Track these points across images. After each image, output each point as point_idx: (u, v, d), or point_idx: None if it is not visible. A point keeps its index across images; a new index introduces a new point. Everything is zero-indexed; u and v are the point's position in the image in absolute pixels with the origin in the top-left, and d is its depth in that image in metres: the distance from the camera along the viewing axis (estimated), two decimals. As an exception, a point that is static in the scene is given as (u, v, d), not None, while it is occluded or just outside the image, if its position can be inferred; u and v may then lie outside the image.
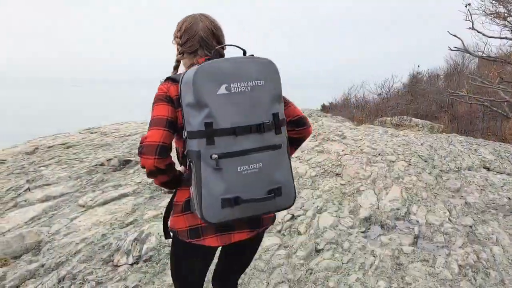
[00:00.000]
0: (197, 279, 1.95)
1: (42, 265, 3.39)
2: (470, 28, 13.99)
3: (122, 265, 3.40)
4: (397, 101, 16.77)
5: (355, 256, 3.59)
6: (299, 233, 4.01)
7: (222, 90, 1.53)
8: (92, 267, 3.35)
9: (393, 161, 6.38)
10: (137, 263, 3.40)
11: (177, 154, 1.83)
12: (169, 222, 1.85)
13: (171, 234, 1.87)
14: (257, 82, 1.59)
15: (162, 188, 1.93)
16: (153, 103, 1.70)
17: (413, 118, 12.90)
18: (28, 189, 5.34)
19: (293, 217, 4.35)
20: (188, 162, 1.65)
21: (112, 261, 3.48)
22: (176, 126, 1.69)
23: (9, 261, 3.53)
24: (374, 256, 3.59)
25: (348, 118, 12.15)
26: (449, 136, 9.04)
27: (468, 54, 17.16)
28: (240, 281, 3.16)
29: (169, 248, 2.71)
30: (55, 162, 6.58)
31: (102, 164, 6.30)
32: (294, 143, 1.98)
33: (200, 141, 1.53)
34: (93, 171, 6.06)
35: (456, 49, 15.01)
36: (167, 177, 1.73)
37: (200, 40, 1.81)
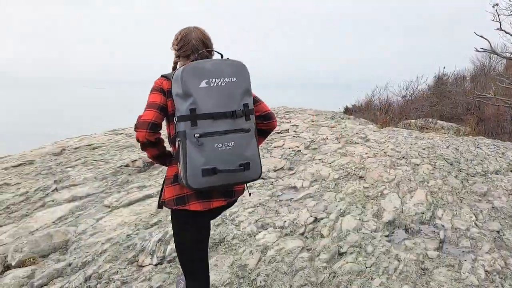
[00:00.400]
0: (191, 249, 2.31)
1: (69, 264, 3.47)
2: (497, 29, 13.70)
3: (147, 265, 3.45)
4: (422, 103, 16.50)
5: (379, 260, 3.55)
6: (322, 236, 4.00)
7: (203, 84, 1.97)
8: (118, 267, 3.41)
9: (417, 164, 6.29)
10: (161, 264, 3.45)
11: (168, 137, 2.23)
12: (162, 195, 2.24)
13: (167, 208, 2.23)
14: (231, 79, 2.02)
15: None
16: (149, 92, 2.14)
17: (438, 121, 12.68)
18: (56, 189, 5.46)
19: (316, 220, 4.33)
20: (177, 141, 2.04)
21: (137, 261, 3.53)
22: (166, 111, 2.11)
23: (37, 259, 3.62)
24: (399, 261, 3.55)
25: (371, 121, 12.02)
26: (475, 139, 8.87)
27: (495, 55, 16.79)
28: (262, 283, 3.17)
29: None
30: (82, 163, 6.72)
31: (127, 165, 6.40)
32: (262, 134, 2.42)
33: (186, 123, 1.96)
34: (118, 172, 6.16)
35: (483, 50, 14.71)
36: (156, 151, 2.19)
37: (192, 47, 2.24)
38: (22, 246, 3.71)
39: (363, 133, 8.69)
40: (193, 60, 2.18)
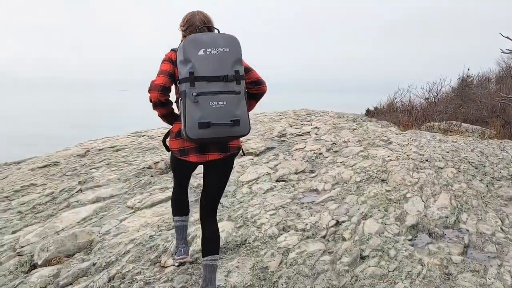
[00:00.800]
0: (184, 179, 3.13)
1: (94, 264, 3.53)
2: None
3: (169, 266, 3.48)
4: (446, 106, 16.21)
5: (402, 264, 3.51)
6: (344, 239, 3.97)
7: (201, 52, 2.40)
8: (141, 267, 3.45)
9: (441, 168, 6.19)
10: (184, 265, 3.47)
11: (176, 100, 2.68)
12: (167, 143, 2.80)
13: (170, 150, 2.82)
14: (224, 49, 2.45)
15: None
16: (161, 62, 2.63)
17: (462, 123, 12.45)
18: (80, 190, 5.57)
19: (337, 223, 4.31)
20: (179, 100, 2.50)
21: (160, 262, 3.57)
22: (174, 77, 2.58)
23: (62, 259, 3.70)
24: (422, 265, 3.50)
25: (394, 123, 11.85)
26: (501, 142, 8.68)
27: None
28: (284, 285, 3.16)
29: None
30: (105, 165, 6.83)
31: (149, 167, 6.48)
32: (254, 98, 2.83)
33: (186, 84, 2.41)
34: (141, 173, 6.24)
35: (508, 51, 14.41)
36: (165, 110, 2.68)
37: (196, 27, 2.69)
38: (48, 246, 3.79)
39: (385, 136, 8.61)
40: None
